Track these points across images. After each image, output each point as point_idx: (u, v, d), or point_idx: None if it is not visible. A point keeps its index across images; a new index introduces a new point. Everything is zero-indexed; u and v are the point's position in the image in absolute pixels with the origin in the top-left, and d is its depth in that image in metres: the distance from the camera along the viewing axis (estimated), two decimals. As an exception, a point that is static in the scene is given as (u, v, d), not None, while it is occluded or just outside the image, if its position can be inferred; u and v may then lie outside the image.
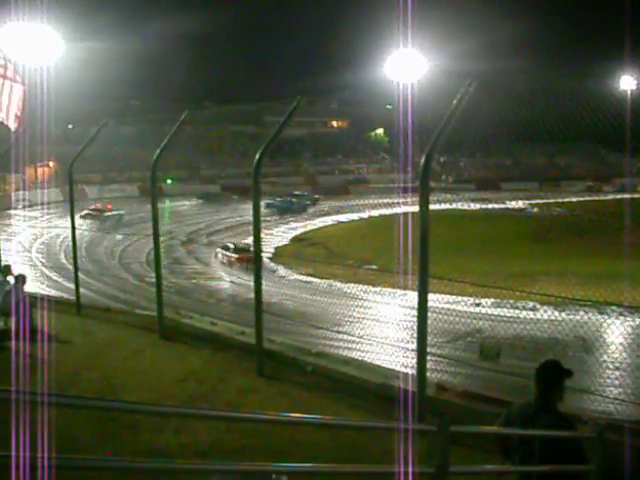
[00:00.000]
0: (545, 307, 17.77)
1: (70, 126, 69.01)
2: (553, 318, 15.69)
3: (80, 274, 15.43)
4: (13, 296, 12.47)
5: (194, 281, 27.56)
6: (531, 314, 17.34)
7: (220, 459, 6.60)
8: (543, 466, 4.94)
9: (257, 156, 9.86)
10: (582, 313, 16.30)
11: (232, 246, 32.04)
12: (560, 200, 52.12)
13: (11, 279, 13.38)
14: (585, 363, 14.36)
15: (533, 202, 53.62)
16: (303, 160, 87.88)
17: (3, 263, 15.38)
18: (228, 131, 72.68)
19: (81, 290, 15.04)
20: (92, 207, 45.61)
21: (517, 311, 18.29)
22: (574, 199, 51.51)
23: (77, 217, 16.83)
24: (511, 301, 18.95)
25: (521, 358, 14.04)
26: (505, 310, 18.53)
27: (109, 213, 46.63)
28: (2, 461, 3.17)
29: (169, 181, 59.98)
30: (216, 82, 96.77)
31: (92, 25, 71.52)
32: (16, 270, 14.07)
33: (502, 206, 52.40)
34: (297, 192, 57.31)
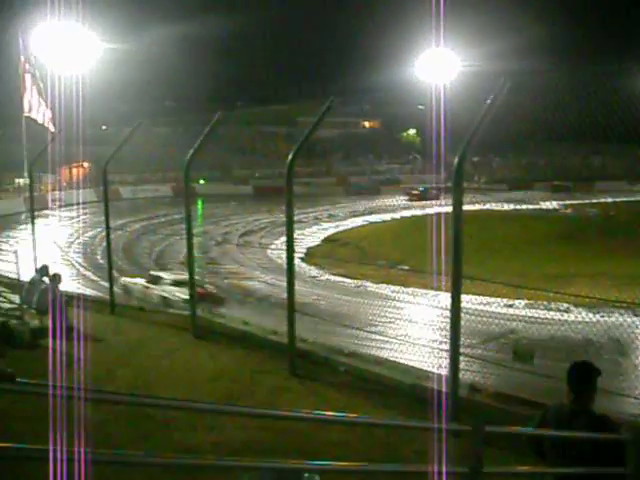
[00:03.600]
0: (579, 309, 17.60)
1: (104, 127, 69.64)
2: (587, 320, 15.55)
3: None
4: (49, 295, 12.67)
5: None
6: (565, 315, 17.19)
7: (253, 457, 6.63)
8: (577, 468, 4.90)
9: (290, 157, 9.88)
10: (617, 315, 16.12)
11: None
12: (594, 200, 51.49)
13: (47, 279, 13.60)
14: (620, 365, 14.20)
15: (566, 203, 53.05)
16: (334, 161, 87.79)
17: (41, 264, 15.59)
18: (260, 132, 72.89)
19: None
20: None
21: (550, 312, 18.12)
22: (609, 199, 50.84)
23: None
24: (544, 302, 18.78)
25: (555, 360, 13.91)
26: (538, 311, 18.36)
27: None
28: (40, 455, 3.23)
29: (202, 181, 60.21)
30: (249, 83, 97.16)
31: (126, 26, 72.16)
32: (53, 270, 14.26)
33: (535, 207, 51.90)
34: None
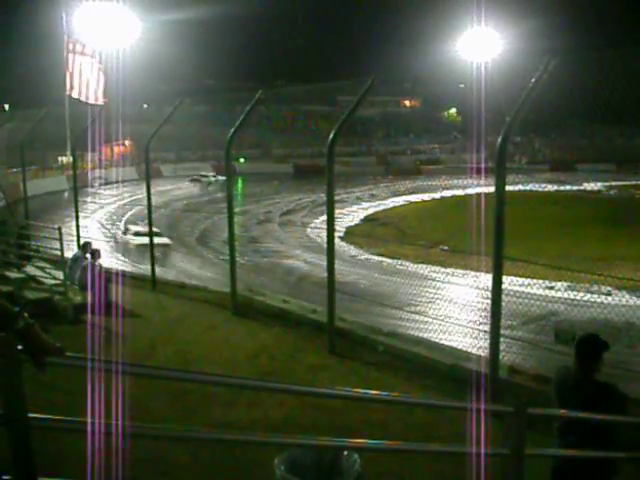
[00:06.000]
0: (622, 292, 17.34)
1: (145, 106, 69.99)
2: (630, 303, 15.31)
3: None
4: (89, 271, 12.85)
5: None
6: (607, 298, 16.95)
7: (291, 434, 6.66)
8: (620, 452, 4.93)
9: (331, 135, 9.85)
10: (661, 298, 15.86)
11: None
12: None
13: (89, 256, 13.78)
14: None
15: (610, 184, 52.28)
16: (375, 140, 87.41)
17: (83, 240, 15.81)
18: (300, 110, 72.70)
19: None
20: None
21: (592, 295, 17.87)
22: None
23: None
24: (586, 285, 18.53)
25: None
26: (580, 294, 18.12)
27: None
28: (78, 427, 3.28)
29: (242, 160, 60.49)
30: (289, 62, 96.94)
31: (166, 5, 72.33)
32: (95, 246, 14.45)
33: (578, 188, 51.25)
34: None
